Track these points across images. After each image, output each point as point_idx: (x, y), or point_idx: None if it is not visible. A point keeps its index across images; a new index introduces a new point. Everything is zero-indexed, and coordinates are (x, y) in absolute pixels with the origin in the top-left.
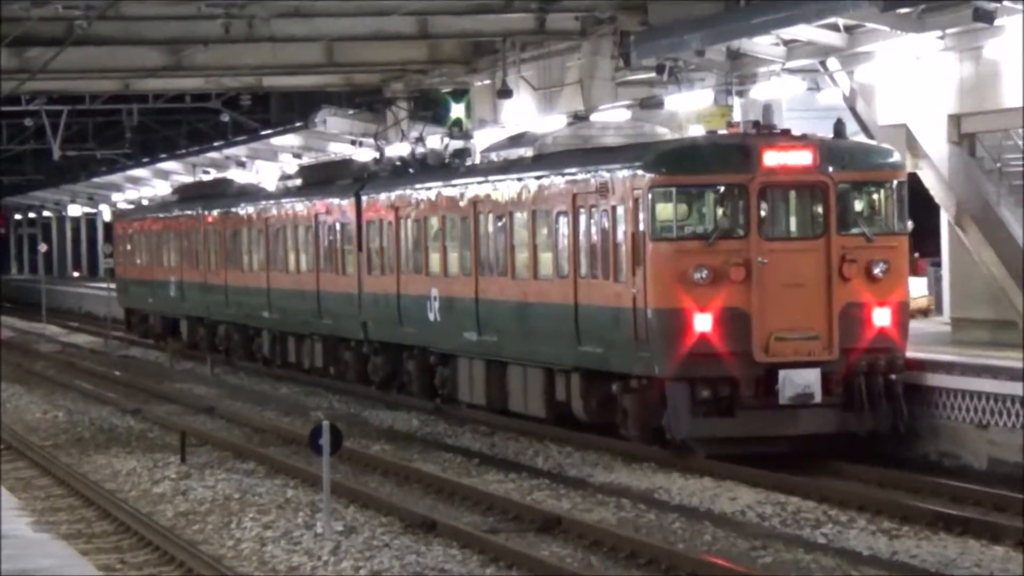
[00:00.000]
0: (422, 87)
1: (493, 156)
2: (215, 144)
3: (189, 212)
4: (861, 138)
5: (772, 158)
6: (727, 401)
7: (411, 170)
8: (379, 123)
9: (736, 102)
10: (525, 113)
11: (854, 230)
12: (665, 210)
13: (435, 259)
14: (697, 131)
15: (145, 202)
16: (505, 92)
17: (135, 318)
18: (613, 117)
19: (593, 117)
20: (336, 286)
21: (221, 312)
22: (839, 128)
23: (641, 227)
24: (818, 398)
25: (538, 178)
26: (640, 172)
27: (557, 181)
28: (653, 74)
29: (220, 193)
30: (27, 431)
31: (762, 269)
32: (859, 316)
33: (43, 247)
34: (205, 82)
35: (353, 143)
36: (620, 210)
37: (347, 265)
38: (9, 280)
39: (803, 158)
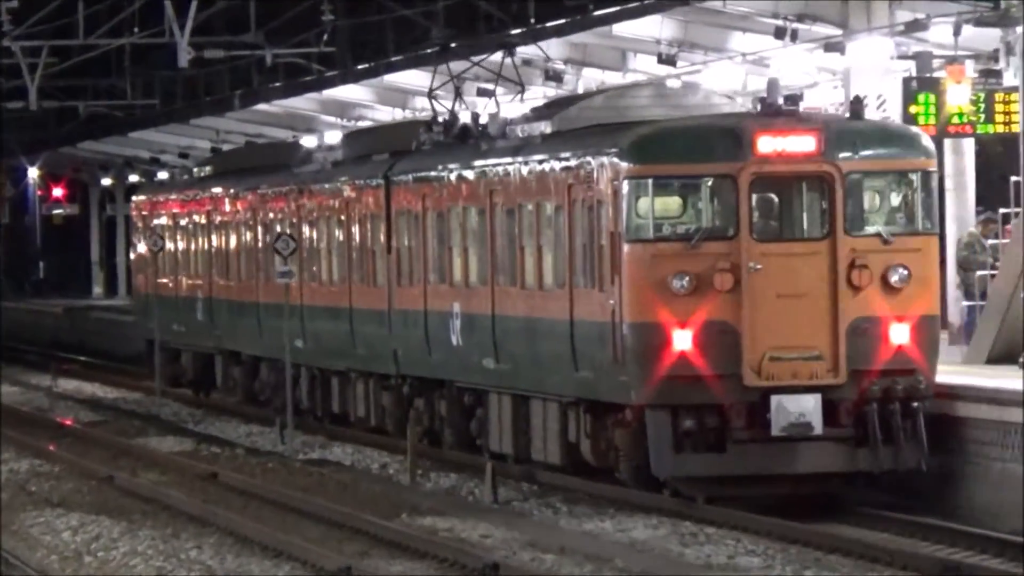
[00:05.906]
0: None
1: (518, 130)
2: (503, 36)
3: (218, 192)
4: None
5: (767, 144)
6: (716, 433)
7: (473, 139)
8: None
9: None
10: None
11: (868, 229)
12: (641, 206)
13: (457, 264)
14: None
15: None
16: None
17: (161, 357)
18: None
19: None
20: (367, 301)
21: (253, 343)
22: (856, 106)
23: (617, 226)
24: (818, 429)
25: (540, 163)
26: (616, 160)
27: (555, 167)
28: None
29: (265, 164)
30: None
31: (754, 276)
32: (872, 332)
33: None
34: None
35: (779, 33)
36: (603, 205)
37: (377, 272)
38: (86, 310)
39: (805, 144)
